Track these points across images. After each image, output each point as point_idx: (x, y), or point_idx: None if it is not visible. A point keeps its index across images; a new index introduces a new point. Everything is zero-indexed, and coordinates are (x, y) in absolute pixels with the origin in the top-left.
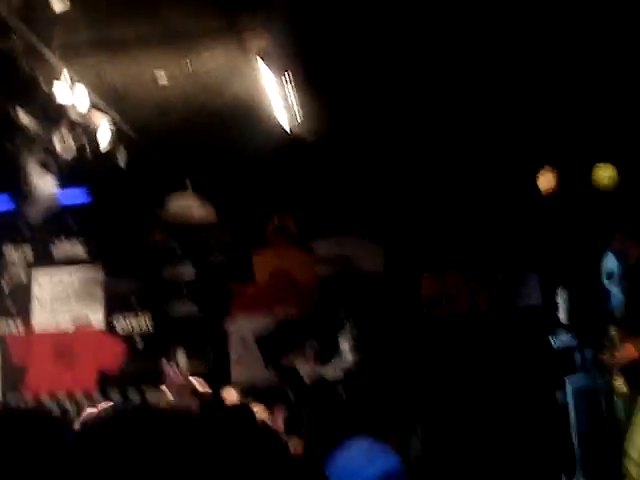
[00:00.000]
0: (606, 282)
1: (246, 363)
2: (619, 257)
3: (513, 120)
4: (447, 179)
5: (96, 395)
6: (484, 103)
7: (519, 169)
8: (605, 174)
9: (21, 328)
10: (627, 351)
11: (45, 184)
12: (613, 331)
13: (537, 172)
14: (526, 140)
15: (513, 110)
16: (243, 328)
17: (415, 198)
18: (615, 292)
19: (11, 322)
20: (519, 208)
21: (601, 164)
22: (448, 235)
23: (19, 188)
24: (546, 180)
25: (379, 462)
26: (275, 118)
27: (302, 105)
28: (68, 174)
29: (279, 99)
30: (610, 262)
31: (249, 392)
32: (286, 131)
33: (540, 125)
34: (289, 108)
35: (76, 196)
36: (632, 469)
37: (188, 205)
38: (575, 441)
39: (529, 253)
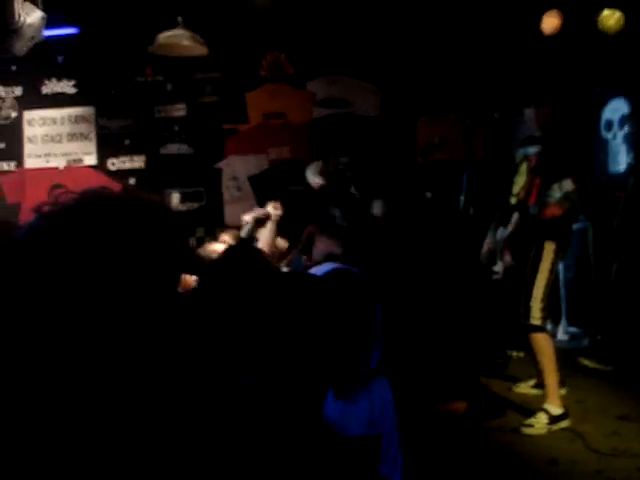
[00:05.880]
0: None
1: (238, 204)
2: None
3: None
4: (448, 20)
5: None
6: None
7: (522, 9)
8: (611, 18)
9: (13, 167)
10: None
11: (32, 18)
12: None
13: (542, 13)
14: None
15: None
16: (236, 169)
17: (414, 38)
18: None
19: (4, 162)
20: (521, 50)
21: (607, 8)
22: (447, 77)
23: (5, 23)
24: (550, 21)
25: None
26: None
27: None
28: (56, 9)
29: None
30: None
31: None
32: None
33: None
34: None
35: (64, 32)
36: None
37: (178, 36)
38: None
39: (528, 98)
